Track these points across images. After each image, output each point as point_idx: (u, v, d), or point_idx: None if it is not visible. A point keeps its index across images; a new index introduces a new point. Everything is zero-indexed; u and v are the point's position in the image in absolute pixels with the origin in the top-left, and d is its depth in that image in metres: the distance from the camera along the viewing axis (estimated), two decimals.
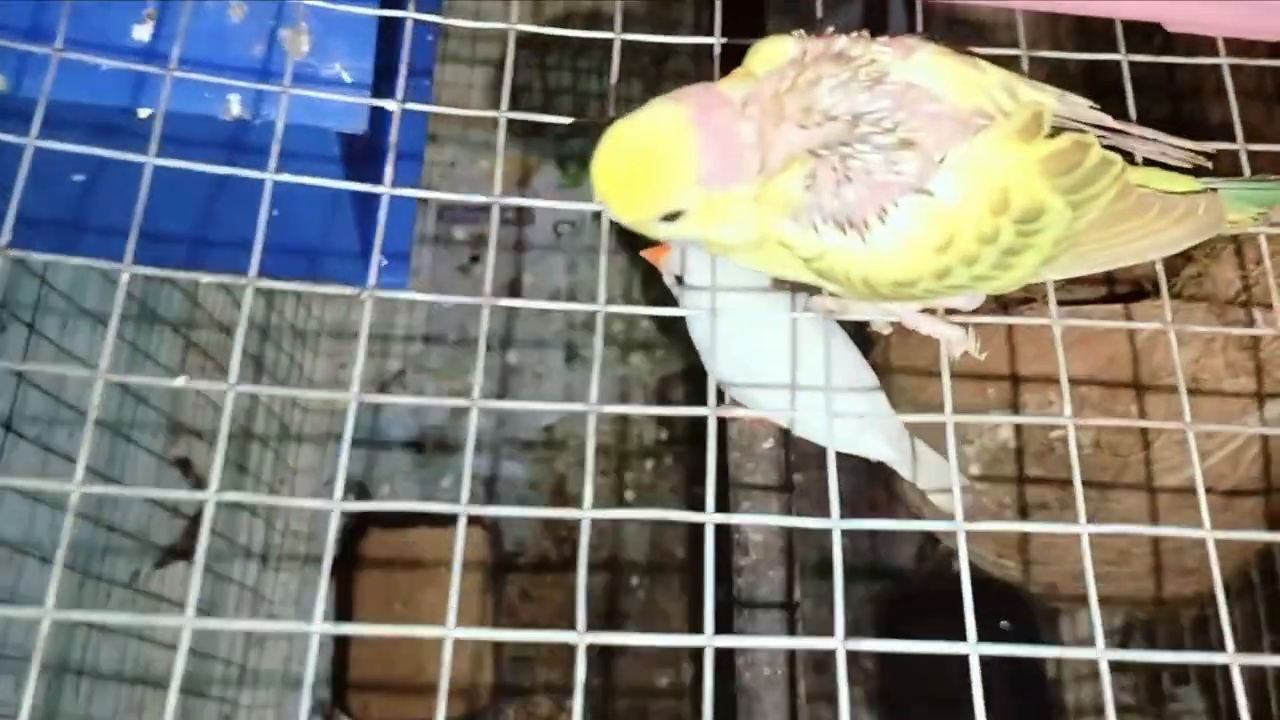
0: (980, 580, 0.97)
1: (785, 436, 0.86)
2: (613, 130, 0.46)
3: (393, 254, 0.92)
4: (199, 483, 1.30)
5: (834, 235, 0.47)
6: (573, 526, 1.48)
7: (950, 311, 0.55)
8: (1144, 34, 0.63)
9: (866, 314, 0.55)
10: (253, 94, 0.66)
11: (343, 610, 1.40)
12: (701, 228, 0.49)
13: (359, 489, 1.48)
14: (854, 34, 0.49)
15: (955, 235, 0.47)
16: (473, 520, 0.46)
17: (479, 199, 0.55)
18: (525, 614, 1.46)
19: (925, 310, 0.54)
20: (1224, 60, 0.61)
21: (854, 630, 0.44)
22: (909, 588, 1.19)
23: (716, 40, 0.59)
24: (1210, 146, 0.56)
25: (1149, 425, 0.85)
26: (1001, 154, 0.47)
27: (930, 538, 1.13)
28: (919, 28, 0.61)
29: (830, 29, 0.50)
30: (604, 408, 0.49)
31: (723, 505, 0.54)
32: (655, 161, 0.46)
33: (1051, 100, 0.51)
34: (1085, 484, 0.49)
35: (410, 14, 0.57)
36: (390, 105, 0.55)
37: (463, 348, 1.54)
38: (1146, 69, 0.61)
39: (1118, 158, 0.51)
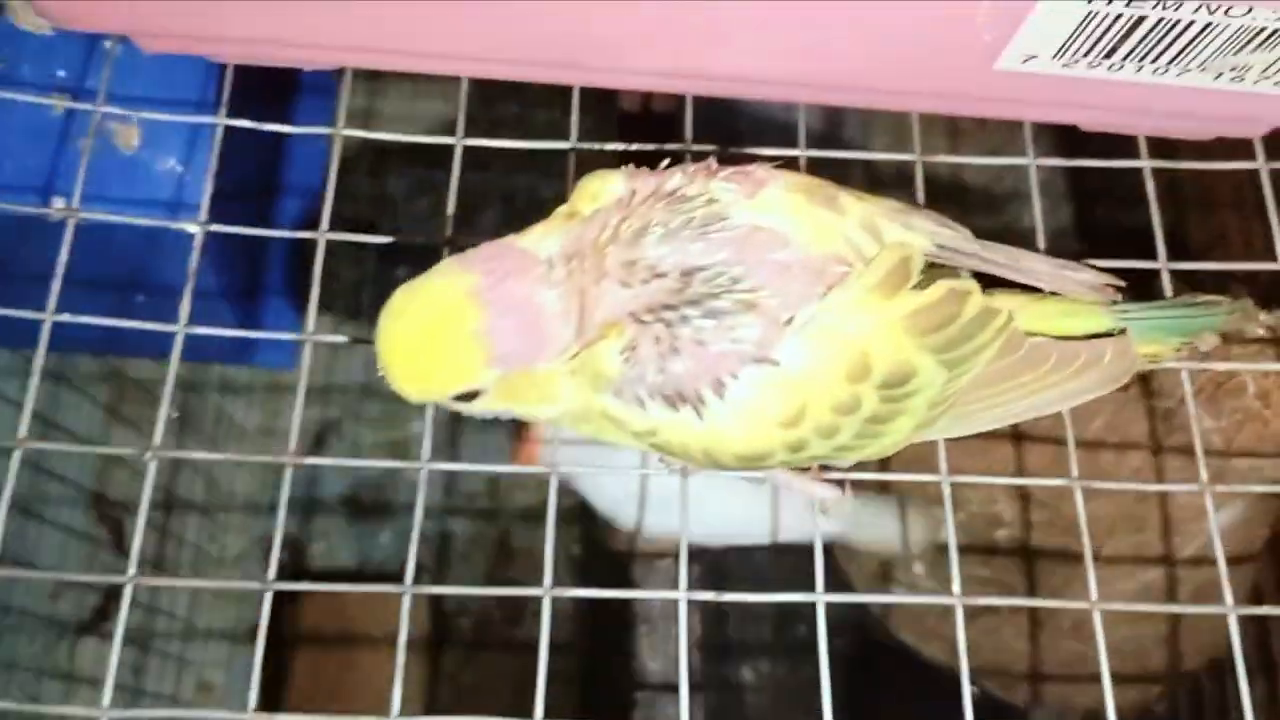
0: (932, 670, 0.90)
1: None
2: (395, 299, 0.40)
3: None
4: (124, 547, 1.25)
5: (663, 412, 0.41)
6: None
7: (825, 466, 0.48)
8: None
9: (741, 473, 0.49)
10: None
11: (272, 674, 1.33)
12: (508, 404, 0.43)
13: (293, 547, 1.41)
14: (694, 167, 0.43)
15: (807, 407, 0.41)
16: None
17: None
18: (466, 679, 1.39)
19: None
20: (1145, 164, 0.54)
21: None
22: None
23: (572, 145, 0.52)
24: (1123, 265, 0.50)
25: (1166, 489, 0.77)
26: (860, 312, 0.41)
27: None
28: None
29: (666, 162, 0.43)
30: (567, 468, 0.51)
31: None
32: (438, 344, 0.40)
33: (921, 239, 0.44)
34: (1035, 586, 0.46)
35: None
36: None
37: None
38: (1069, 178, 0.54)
39: (1002, 306, 0.44)
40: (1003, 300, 0.46)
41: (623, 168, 0.44)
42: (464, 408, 0.42)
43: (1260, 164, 0.55)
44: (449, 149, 0.54)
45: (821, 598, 0.48)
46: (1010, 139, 0.57)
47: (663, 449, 0.43)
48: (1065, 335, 0.47)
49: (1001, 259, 0.46)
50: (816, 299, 0.41)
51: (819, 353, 0.41)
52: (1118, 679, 0.86)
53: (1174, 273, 0.53)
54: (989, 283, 0.47)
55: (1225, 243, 0.68)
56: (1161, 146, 0.55)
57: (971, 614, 0.85)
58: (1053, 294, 0.48)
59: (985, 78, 0.45)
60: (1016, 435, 0.77)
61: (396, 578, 0.45)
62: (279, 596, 1.39)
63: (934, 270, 0.45)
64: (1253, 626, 0.85)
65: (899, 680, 0.95)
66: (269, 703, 1.33)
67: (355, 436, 1.47)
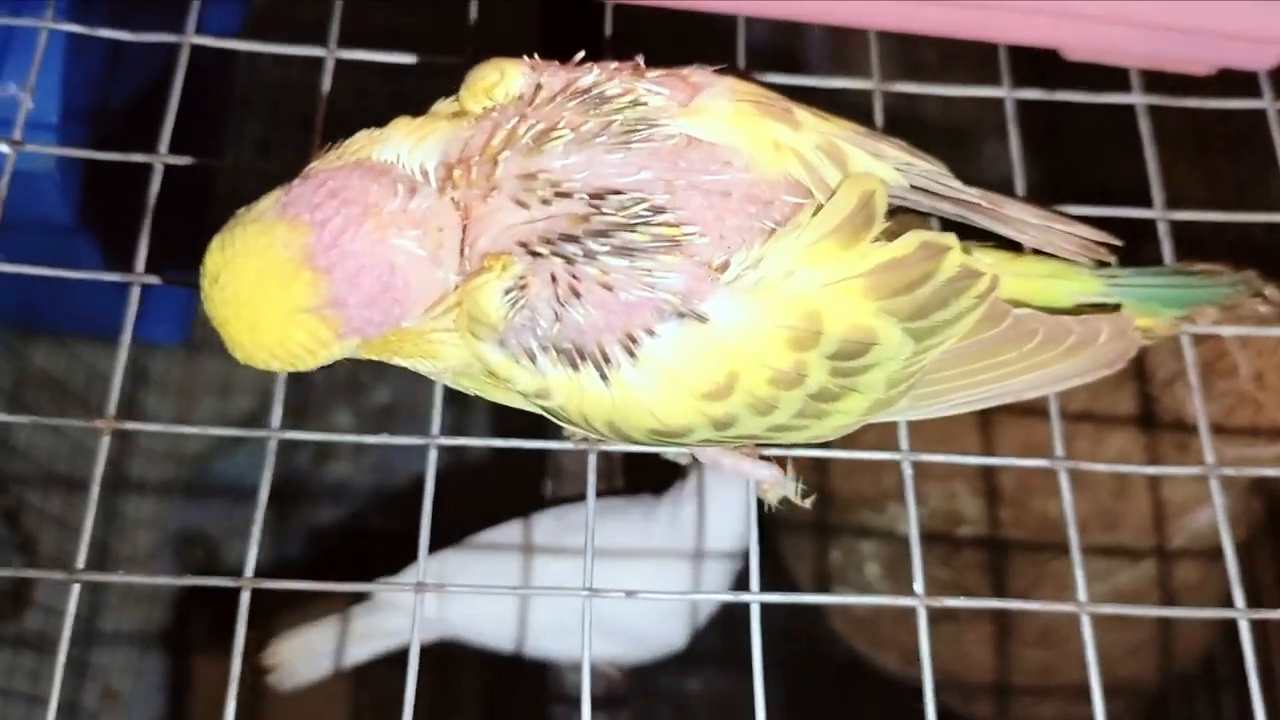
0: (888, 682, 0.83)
1: None
2: (210, 257, 0.32)
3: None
4: (26, 541, 1.16)
5: (559, 369, 0.32)
6: None
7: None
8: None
9: (746, 472, 0.41)
10: None
11: (177, 686, 1.24)
12: (384, 356, 0.35)
13: (207, 546, 1.32)
14: (616, 64, 0.34)
15: (738, 375, 0.33)
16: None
17: None
18: (396, 688, 1.30)
19: None
20: (1138, 99, 0.47)
21: None
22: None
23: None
24: (1123, 212, 0.43)
25: (1162, 471, 0.70)
26: (812, 263, 0.32)
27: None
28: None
29: (580, 55, 0.34)
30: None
31: None
32: (274, 324, 0.32)
33: (889, 171, 0.36)
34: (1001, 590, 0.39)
35: None
36: None
37: (327, 384, 1.37)
38: (1041, 111, 0.46)
39: (986, 265, 0.36)
40: (982, 258, 0.38)
41: (524, 58, 0.35)
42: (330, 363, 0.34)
43: (1267, 103, 0.48)
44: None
45: (756, 598, 0.40)
46: (979, 77, 0.49)
47: (557, 416, 0.35)
48: (1050, 304, 0.40)
49: (984, 204, 0.38)
50: (760, 239, 0.33)
51: (758, 310, 0.33)
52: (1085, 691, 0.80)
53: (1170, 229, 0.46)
54: (959, 233, 0.39)
55: (1219, 197, 0.61)
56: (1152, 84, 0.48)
57: (929, 620, 0.79)
58: (1036, 252, 0.41)
59: None
60: (984, 420, 0.70)
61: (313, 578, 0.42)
62: (188, 598, 1.31)
63: (900, 216, 0.37)
64: (1224, 636, 0.78)
65: (849, 693, 0.88)
66: (176, 711, 1.25)
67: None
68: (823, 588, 0.80)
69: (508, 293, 0.32)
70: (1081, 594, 0.40)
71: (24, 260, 0.43)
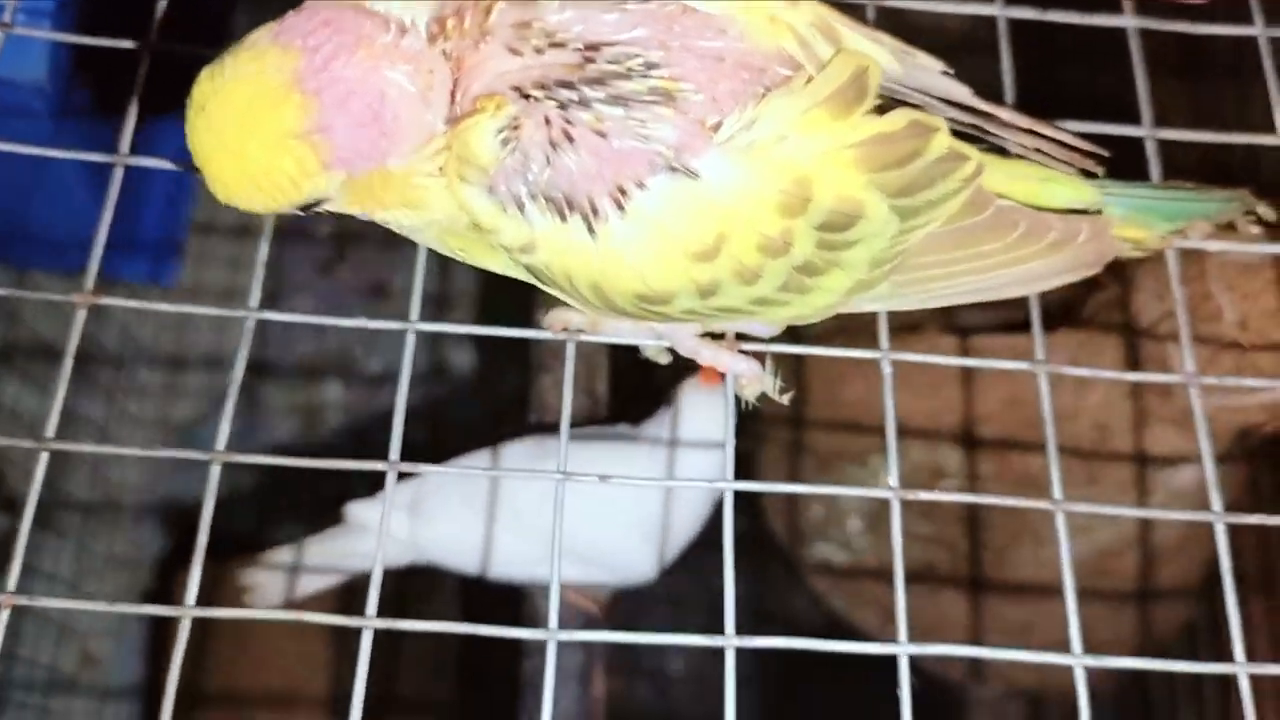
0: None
1: None
2: (198, 85, 0.32)
3: (154, 242, 0.76)
4: (9, 503, 1.16)
5: (547, 219, 0.32)
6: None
7: (742, 337, 0.40)
8: None
9: (626, 335, 0.40)
10: None
11: (158, 652, 1.23)
12: (364, 209, 0.34)
13: (185, 512, 1.31)
14: None
15: (726, 238, 0.32)
16: None
17: None
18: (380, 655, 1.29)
19: (708, 333, 0.39)
20: (1130, 21, 0.47)
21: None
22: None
23: None
24: (1112, 129, 0.43)
25: (1143, 378, 0.70)
26: (804, 129, 0.32)
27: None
28: None
29: None
30: None
31: None
32: (260, 151, 0.31)
33: (885, 55, 0.36)
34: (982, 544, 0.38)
35: None
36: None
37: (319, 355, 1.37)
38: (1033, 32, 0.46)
39: (972, 150, 0.36)
40: (972, 149, 0.38)
41: None
42: (312, 211, 0.34)
43: (1259, 29, 0.48)
44: None
45: (731, 485, 0.40)
46: None
47: (540, 275, 0.35)
48: (1037, 205, 0.39)
49: (976, 105, 0.39)
50: (753, 104, 0.33)
51: (750, 172, 0.33)
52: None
53: (1161, 147, 0.46)
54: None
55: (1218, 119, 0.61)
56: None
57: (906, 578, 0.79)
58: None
59: None
60: (967, 375, 0.70)
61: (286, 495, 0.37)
62: (170, 563, 1.30)
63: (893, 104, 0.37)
64: (1205, 611, 0.78)
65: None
66: (155, 673, 1.24)
67: (265, 398, 1.38)
68: (802, 544, 0.79)
69: (500, 133, 0.32)
70: (1057, 493, 0.40)
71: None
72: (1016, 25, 0.47)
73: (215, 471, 0.40)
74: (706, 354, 0.40)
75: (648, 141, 0.32)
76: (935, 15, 0.48)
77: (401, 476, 0.41)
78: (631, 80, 0.32)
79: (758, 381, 0.41)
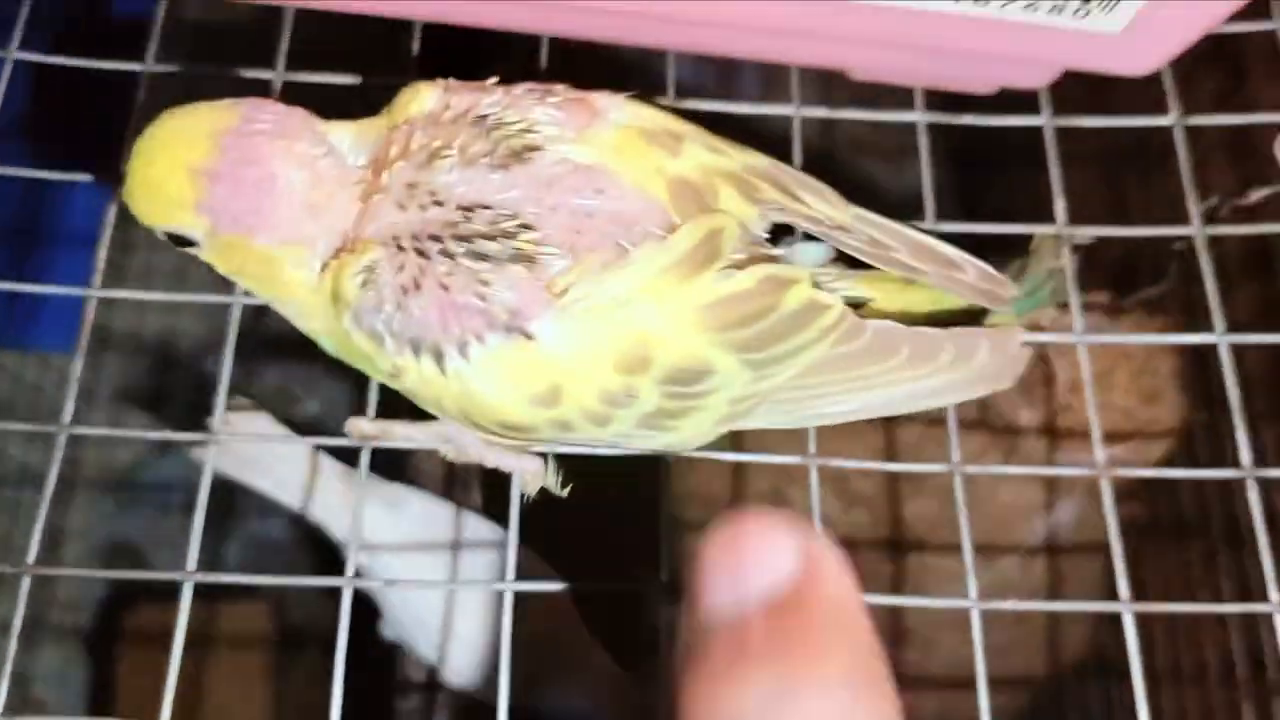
0: None
1: None
2: (160, 119, 0.38)
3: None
4: None
5: (404, 355, 0.36)
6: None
7: None
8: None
9: (419, 440, 0.43)
10: None
11: (102, 695, 1.25)
12: (234, 274, 0.39)
13: (134, 555, 1.33)
14: (526, 87, 0.38)
15: (563, 389, 0.35)
16: (249, 592, 0.41)
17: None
18: (317, 695, 1.31)
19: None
20: (1045, 121, 0.50)
21: None
22: None
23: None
24: (1015, 229, 0.46)
25: (1058, 472, 0.73)
26: (650, 293, 0.35)
27: None
28: None
29: (495, 79, 0.38)
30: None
31: None
32: (158, 168, 0.36)
33: (753, 211, 0.38)
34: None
35: None
36: None
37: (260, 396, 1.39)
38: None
39: (834, 301, 0.38)
40: (858, 284, 0.41)
41: (440, 80, 0.39)
42: (191, 251, 0.39)
43: (1044, 119, 0.51)
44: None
45: (511, 586, 0.42)
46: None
47: (416, 398, 0.38)
48: (942, 311, 0.42)
49: (861, 246, 0.40)
50: (601, 272, 0.35)
51: (584, 335, 0.35)
52: (963, 685, 0.82)
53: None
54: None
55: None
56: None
57: None
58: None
59: None
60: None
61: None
62: (114, 606, 1.31)
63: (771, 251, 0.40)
64: (1107, 628, 0.81)
65: None
66: (97, 710, 1.26)
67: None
68: None
69: (358, 273, 0.36)
70: (972, 591, 0.43)
71: None
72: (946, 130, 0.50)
73: (188, 590, 0.45)
74: (491, 458, 0.43)
75: (485, 301, 0.35)
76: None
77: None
78: (495, 241, 0.35)
79: (539, 479, 0.43)
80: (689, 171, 0.38)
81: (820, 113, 0.51)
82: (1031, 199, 0.51)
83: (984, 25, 0.42)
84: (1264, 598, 0.43)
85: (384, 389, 0.44)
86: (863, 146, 0.84)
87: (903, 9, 0.41)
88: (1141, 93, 0.50)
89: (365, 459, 0.45)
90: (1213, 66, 0.66)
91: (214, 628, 1.22)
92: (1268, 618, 0.43)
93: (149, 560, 1.33)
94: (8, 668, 0.43)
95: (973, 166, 0.84)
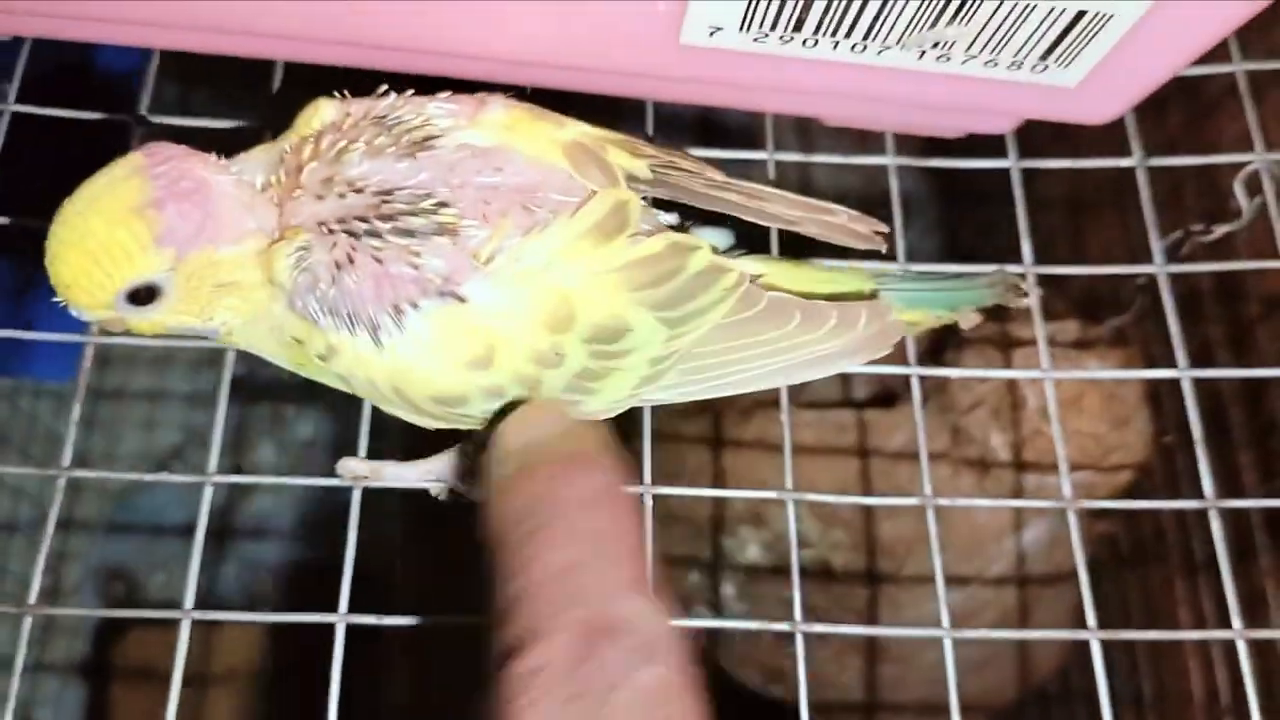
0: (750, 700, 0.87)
1: None
2: (62, 207, 0.37)
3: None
4: None
5: (339, 332, 0.37)
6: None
7: None
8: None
9: (408, 480, 0.46)
10: None
11: (97, 716, 1.26)
12: (196, 312, 0.38)
13: (129, 581, 1.34)
14: (409, 93, 0.40)
15: (496, 349, 0.38)
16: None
17: None
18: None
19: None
20: (1012, 163, 0.53)
21: None
22: None
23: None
24: (989, 269, 0.48)
25: (1025, 504, 0.75)
26: (567, 258, 0.38)
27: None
28: None
29: (384, 87, 0.40)
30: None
31: None
32: (99, 229, 0.36)
33: (643, 167, 0.41)
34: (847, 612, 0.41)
35: None
36: None
37: (251, 418, 1.40)
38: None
39: (731, 264, 0.41)
40: (753, 263, 0.43)
41: (337, 94, 0.41)
42: (146, 319, 0.38)
43: (1011, 162, 0.53)
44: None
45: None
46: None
47: (349, 383, 0.40)
48: (823, 296, 0.44)
49: (737, 199, 0.43)
50: (520, 231, 0.38)
51: (515, 295, 0.37)
52: (927, 710, 0.84)
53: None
54: (754, 242, 0.45)
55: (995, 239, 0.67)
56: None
57: (776, 636, 0.83)
58: (815, 261, 0.46)
59: (673, 54, 0.42)
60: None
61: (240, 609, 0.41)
62: (108, 631, 1.32)
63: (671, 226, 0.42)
64: (1074, 654, 0.82)
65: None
66: None
67: (199, 462, 1.40)
68: (685, 610, 0.84)
69: (292, 254, 0.37)
70: (944, 620, 0.45)
71: None
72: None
73: (186, 627, 0.46)
74: (476, 492, 0.44)
75: (419, 269, 0.37)
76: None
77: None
78: (419, 217, 0.37)
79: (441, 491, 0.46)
80: (579, 136, 0.41)
81: (795, 157, 0.53)
82: (1005, 233, 0.53)
83: (947, 80, 0.43)
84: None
85: (373, 425, 0.46)
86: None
87: (869, 66, 0.43)
88: (1107, 131, 0.52)
89: (357, 497, 0.46)
90: (1176, 105, 0.68)
91: (210, 650, 1.23)
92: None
93: (143, 584, 1.33)
94: (10, 704, 0.45)
95: (951, 204, 0.86)
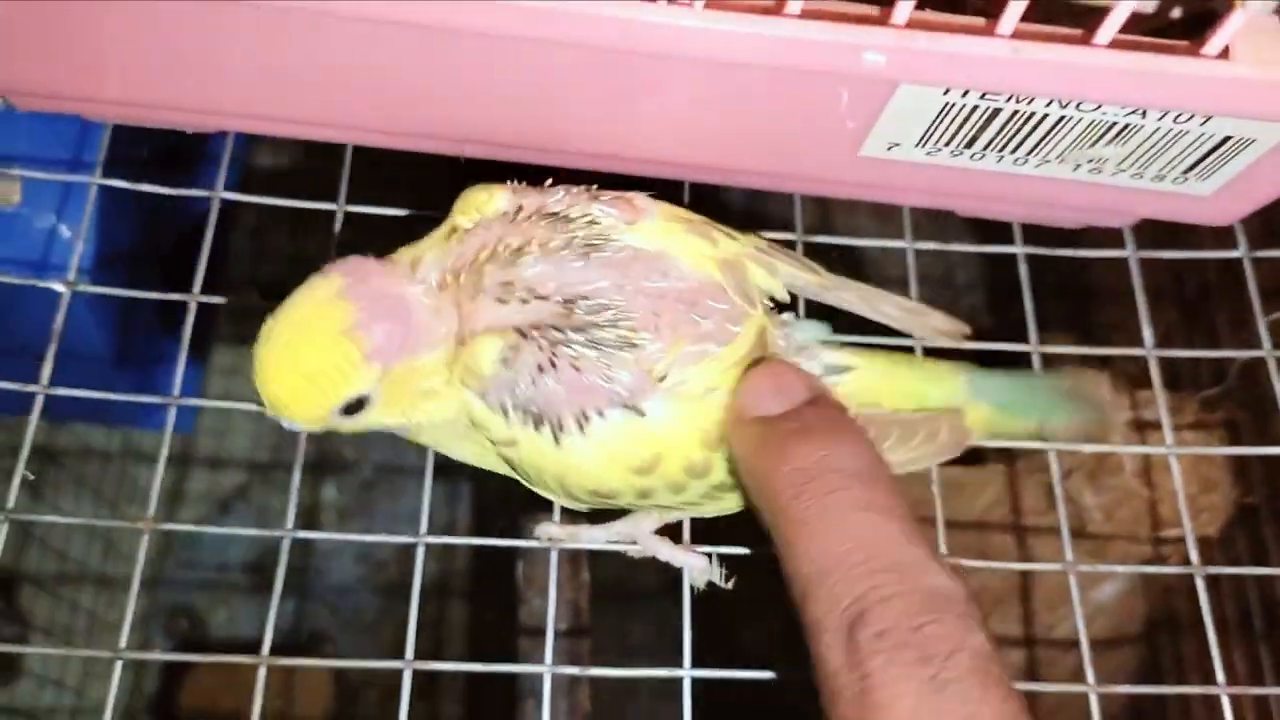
0: None
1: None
2: (266, 326, 0.39)
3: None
4: (19, 615, 1.21)
5: (524, 426, 0.41)
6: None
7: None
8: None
9: (603, 540, 0.49)
10: None
11: None
12: (397, 414, 0.42)
13: (191, 616, 1.37)
14: (578, 189, 0.43)
15: (660, 460, 0.41)
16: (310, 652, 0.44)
17: None
18: None
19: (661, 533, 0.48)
20: (1131, 253, 0.56)
21: None
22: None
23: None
24: (993, 347, 0.51)
25: (1030, 567, 0.77)
26: (724, 383, 0.42)
27: None
28: None
29: (549, 180, 0.43)
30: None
31: None
32: (312, 353, 0.39)
33: (778, 285, 0.45)
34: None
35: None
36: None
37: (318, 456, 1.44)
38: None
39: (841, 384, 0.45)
40: (849, 356, 0.46)
41: (508, 182, 0.44)
42: (355, 424, 0.41)
43: (1129, 252, 0.56)
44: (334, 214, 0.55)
45: (688, 673, 0.47)
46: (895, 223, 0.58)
47: (515, 465, 0.43)
48: (908, 399, 0.47)
49: (854, 299, 0.47)
50: (689, 340, 0.41)
51: (682, 415, 0.41)
52: None
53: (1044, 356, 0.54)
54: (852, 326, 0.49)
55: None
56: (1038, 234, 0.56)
57: None
58: (908, 353, 0.50)
59: (853, 163, 0.47)
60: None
61: (300, 649, 0.44)
62: (172, 667, 1.34)
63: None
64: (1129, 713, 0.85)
65: None
66: None
67: (262, 502, 1.44)
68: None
69: (502, 353, 0.40)
70: (1090, 677, 0.48)
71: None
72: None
73: (262, 673, 0.47)
74: (665, 551, 0.48)
75: (610, 382, 0.40)
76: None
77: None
78: (604, 330, 0.40)
79: (705, 574, 0.48)
80: (727, 255, 0.44)
81: (931, 245, 0.56)
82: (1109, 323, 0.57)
83: (1093, 187, 0.47)
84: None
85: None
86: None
87: (1017, 174, 0.46)
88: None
89: (554, 559, 0.49)
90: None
91: (274, 689, 1.25)
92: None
93: (206, 621, 1.36)
94: None
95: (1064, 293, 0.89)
